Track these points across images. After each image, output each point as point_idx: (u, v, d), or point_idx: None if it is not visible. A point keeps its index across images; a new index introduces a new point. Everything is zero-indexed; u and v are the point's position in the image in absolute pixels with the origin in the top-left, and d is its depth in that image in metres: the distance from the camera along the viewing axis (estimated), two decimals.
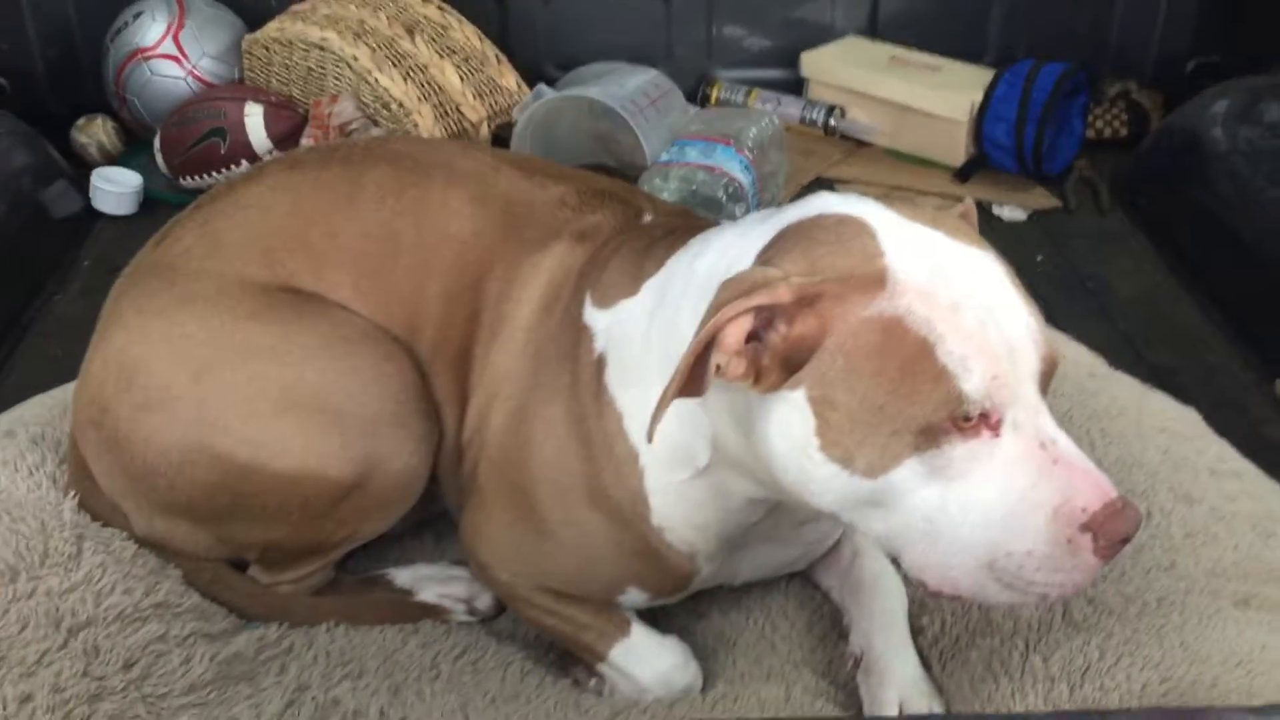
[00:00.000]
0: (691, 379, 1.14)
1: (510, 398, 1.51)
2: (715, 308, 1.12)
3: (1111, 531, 1.10)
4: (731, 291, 1.12)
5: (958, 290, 1.12)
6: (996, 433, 1.12)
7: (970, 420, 1.10)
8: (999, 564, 1.13)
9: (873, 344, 1.11)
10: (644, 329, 1.36)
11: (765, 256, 1.20)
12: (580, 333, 1.45)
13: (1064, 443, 1.13)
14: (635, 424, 1.37)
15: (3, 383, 2.28)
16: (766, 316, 1.13)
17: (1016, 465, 1.12)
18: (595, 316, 1.45)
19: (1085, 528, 1.10)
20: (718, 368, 1.13)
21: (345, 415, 1.51)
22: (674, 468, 1.36)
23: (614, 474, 1.40)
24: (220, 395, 1.50)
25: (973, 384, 1.09)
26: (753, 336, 1.14)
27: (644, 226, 1.56)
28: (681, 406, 1.21)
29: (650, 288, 1.40)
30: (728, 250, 1.28)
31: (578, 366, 1.44)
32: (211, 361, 1.51)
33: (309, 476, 1.51)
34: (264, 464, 1.50)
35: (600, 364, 1.41)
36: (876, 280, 1.12)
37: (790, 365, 1.14)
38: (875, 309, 1.11)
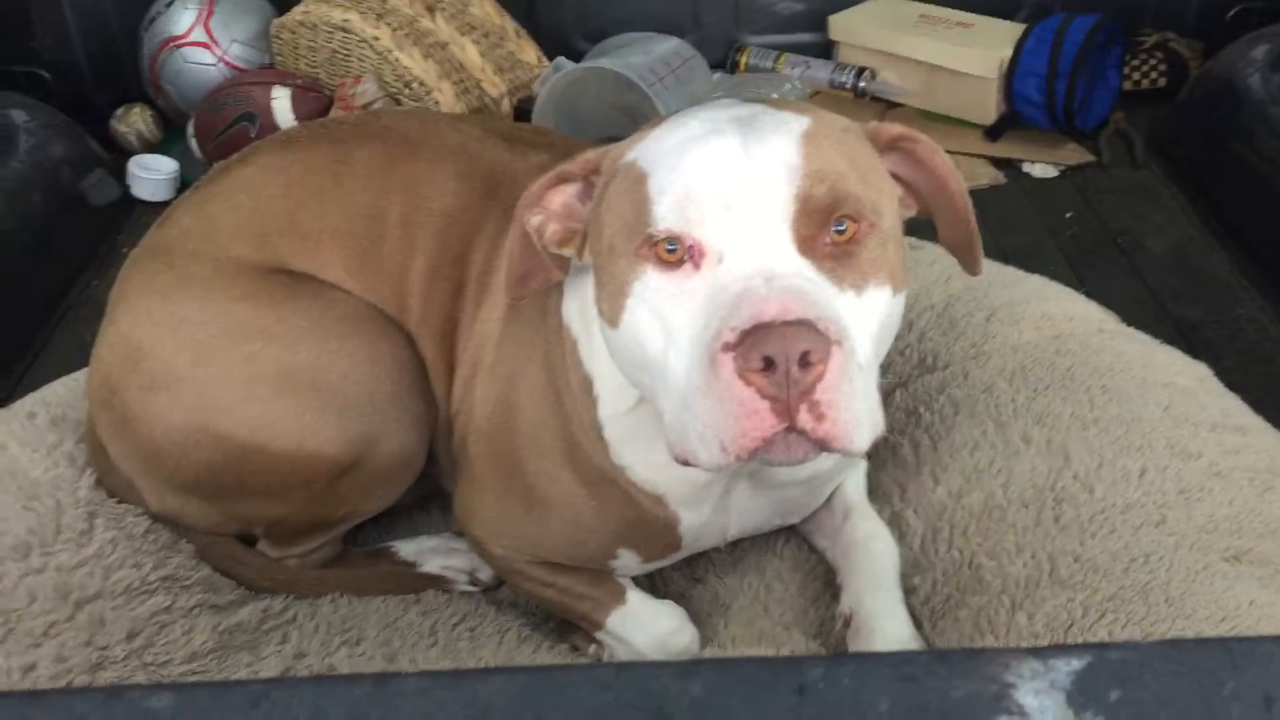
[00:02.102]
0: (533, 253, 1.30)
1: (495, 365, 1.53)
2: None
3: (748, 348, 1.01)
4: None
5: (703, 139, 1.14)
6: (698, 266, 1.11)
7: (670, 250, 1.11)
8: (690, 408, 1.07)
9: (614, 188, 1.21)
10: None
11: None
12: (555, 288, 1.46)
13: (781, 279, 1.07)
14: (587, 350, 1.39)
15: (39, 366, 2.36)
16: (583, 190, 1.27)
17: (703, 295, 1.09)
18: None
19: (728, 347, 1.03)
20: (540, 234, 1.28)
21: (340, 395, 1.54)
22: (620, 397, 1.37)
23: (576, 412, 1.42)
24: (220, 377, 1.53)
25: (662, 206, 1.12)
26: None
27: None
28: (608, 333, 1.24)
29: None
30: None
31: (547, 316, 1.45)
32: (210, 344, 1.54)
33: (307, 456, 1.54)
34: (263, 444, 1.53)
35: (559, 300, 1.43)
36: (639, 140, 1.21)
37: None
38: (624, 160, 1.21)
